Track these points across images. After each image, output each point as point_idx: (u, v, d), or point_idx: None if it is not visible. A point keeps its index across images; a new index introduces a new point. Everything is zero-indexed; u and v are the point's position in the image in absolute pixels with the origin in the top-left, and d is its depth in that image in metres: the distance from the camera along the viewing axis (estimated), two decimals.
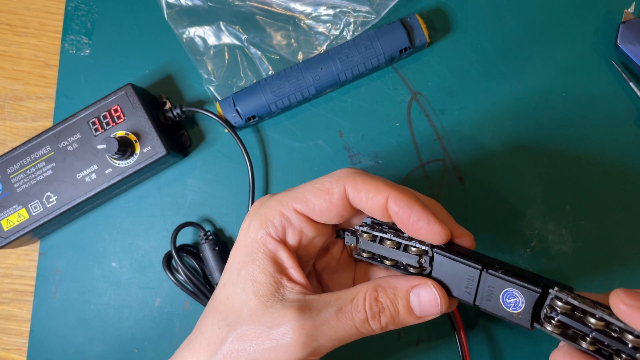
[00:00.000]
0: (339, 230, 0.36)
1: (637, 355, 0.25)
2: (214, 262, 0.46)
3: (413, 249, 0.31)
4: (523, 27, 0.49)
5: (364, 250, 0.33)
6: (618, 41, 0.46)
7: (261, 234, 0.33)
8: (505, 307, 0.29)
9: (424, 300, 0.30)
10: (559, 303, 0.27)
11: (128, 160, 0.45)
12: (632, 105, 0.47)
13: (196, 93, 0.50)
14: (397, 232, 0.32)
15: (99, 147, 0.45)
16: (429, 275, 0.31)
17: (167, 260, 0.47)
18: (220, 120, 0.47)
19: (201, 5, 0.50)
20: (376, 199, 0.31)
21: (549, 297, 0.27)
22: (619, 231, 0.46)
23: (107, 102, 0.46)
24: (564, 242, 0.46)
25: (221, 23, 0.50)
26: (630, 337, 0.25)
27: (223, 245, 0.48)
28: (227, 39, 0.50)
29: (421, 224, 0.30)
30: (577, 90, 0.48)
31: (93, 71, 0.51)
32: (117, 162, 0.45)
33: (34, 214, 0.45)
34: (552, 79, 0.48)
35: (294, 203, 0.33)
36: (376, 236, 0.32)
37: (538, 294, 0.27)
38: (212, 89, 0.49)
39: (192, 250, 0.48)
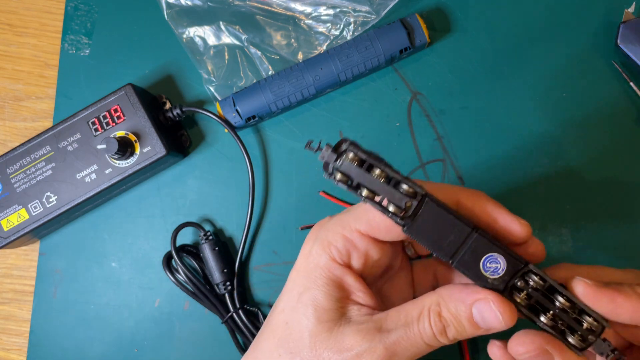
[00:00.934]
0: (311, 142, 0.30)
1: (590, 336, 0.28)
2: (214, 262, 0.46)
3: (405, 186, 0.27)
4: (523, 27, 0.49)
5: (339, 171, 0.27)
6: (618, 41, 0.46)
7: (324, 259, 0.31)
8: (483, 271, 0.28)
9: (486, 317, 0.29)
10: (535, 278, 0.28)
11: (128, 161, 0.45)
12: (632, 105, 0.47)
13: (196, 93, 0.50)
14: (384, 164, 0.28)
15: (99, 147, 0.45)
16: (412, 218, 0.28)
17: (167, 260, 0.47)
18: (220, 120, 0.47)
19: (201, 5, 0.50)
20: (447, 200, 0.29)
21: (524, 270, 0.28)
22: (620, 231, 0.46)
23: (107, 102, 0.45)
24: (564, 242, 0.46)
25: (221, 23, 0.49)
26: (588, 319, 0.28)
27: (223, 245, 0.48)
28: (227, 39, 0.50)
29: (499, 218, 0.30)
30: (578, 90, 0.48)
31: (93, 71, 0.51)
32: (117, 162, 0.45)
33: (33, 214, 0.45)
34: (552, 78, 0.48)
35: (356, 224, 0.31)
36: (364, 161, 0.27)
37: (522, 265, 0.28)
38: (212, 89, 0.49)
39: (192, 251, 0.48)
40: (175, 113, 0.47)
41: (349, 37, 0.48)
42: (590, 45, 0.48)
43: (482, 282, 0.28)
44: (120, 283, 0.49)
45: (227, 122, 0.48)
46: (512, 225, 0.30)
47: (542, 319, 0.29)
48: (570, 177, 0.47)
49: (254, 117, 0.48)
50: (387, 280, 0.36)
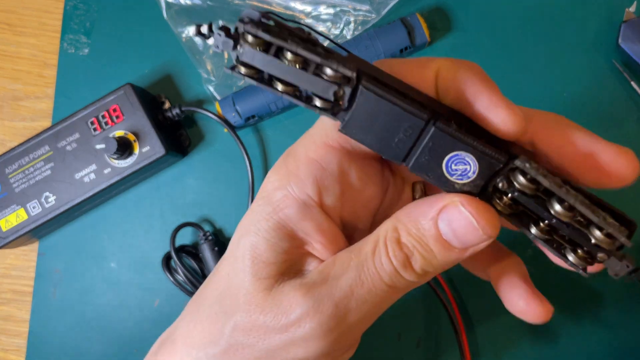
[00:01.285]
0: (201, 26, 0.22)
1: (599, 254, 0.21)
2: (213, 263, 0.46)
3: (329, 72, 0.20)
4: (524, 26, 0.49)
5: (244, 65, 0.21)
6: (620, 40, 0.46)
7: (277, 195, 0.24)
8: (447, 175, 0.21)
9: (458, 228, 0.21)
10: (521, 179, 0.21)
11: (127, 160, 0.45)
12: (634, 105, 0.47)
13: (195, 93, 0.50)
14: (310, 43, 0.21)
15: (98, 147, 0.45)
16: (346, 111, 0.21)
17: (166, 260, 0.47)
18: (219, 120, 0.47)
19: (200, 4, 0.50)
20: (419, 74, 0.22)
21: (508, 167, 0.21)
22: None
23: (106, 102, 0.45)
24: None
25: (221, 22, 0.49)
26: (597, 233, 0.21)
27: (222, 245, 0.47)
28: None
29: (478, 100, 0.21)
30: (579, 90, 0.48)
31: (92, 71, 0.50)
32: (116, 162, 0.45)
33: (32, 214, 0.45)
34: (553, 78, 0.48)
35: (322, 136, 0.23)
36: (270, 43, 0.20)
37: (500, 165, 0.21)
38: (211, 88, 0.49)
39: (191, 251, 0.48)
40: (174, 113, 0.47)
41: (349, 37, 0.48)
42: (591, 45, 0.48)
43: (449, 189, 0.22)
44: (120, 283, 0.49)
45: (226, 122, 0.47)
46: (492, 113, 0.21)
47: (533, 230, 0.22)
48: None
49: (253, 116, 0.47)
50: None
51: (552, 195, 0.21)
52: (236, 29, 0.21)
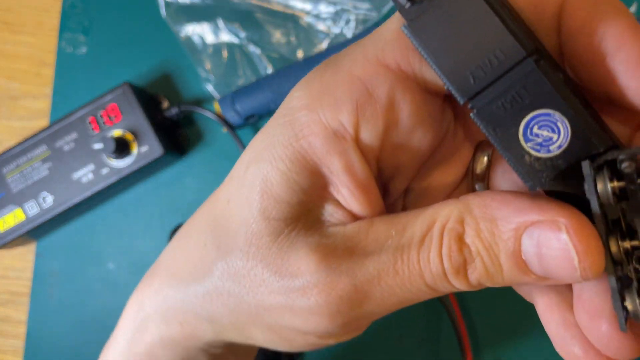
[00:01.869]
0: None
1: None
2: None
3: None
4: None
5: None
6: None
7: (304, 117, 0.18)
8: (521, 138, 0.15)
9: (548, 255, 0.15)
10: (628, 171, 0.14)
11: (125, 160, 0.45)
12: None
13: (194, 92, 0.50)
14: None
15: (96, 146, 0.45)
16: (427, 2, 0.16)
17: None
18: (219, 120, 0.47)
19: (199, 2, 0.49)
20: (538, 5, 0.16)
21: (606, 158, 0.15)
22: None
23: (104, 101, 0.45)
24: None
25: (219, 21, 0.49)
26: None
27: None
28: (225, 37, 0.49)
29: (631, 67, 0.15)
30: None
31: (90, 70, 0.50)
32: (114, 162, 0.45)
33: (30, 214, 0.45)
34: None
35: (387, 51, 0.17)
36: None
37: (600, 150, 0.15)
38: (210, 87, 0.49)
39: None
40: (173, 112, 0.47)
41: (349, 35, 0.48)
42: None
43: (515, 160, 0.16)
44: (118, 285, 0.48)
45: (225, 122, 0.47)
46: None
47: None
48: None
49: (253, 115, 0.47)
50: (427, 181, 0.21)
51: None
52: None
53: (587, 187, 0.15)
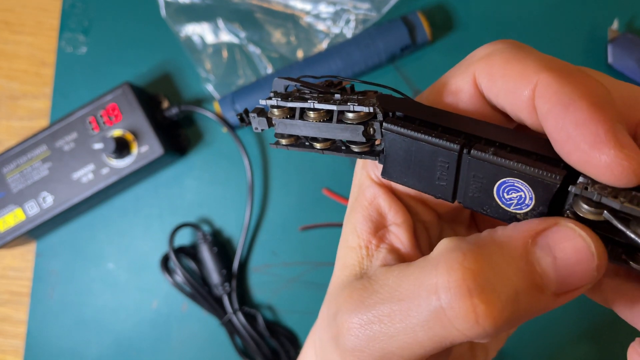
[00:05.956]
0: (241, 114, 0.22)
1: None
2: (212, 263, 0.46)
3: (350, 115, 0.19)
4: (525, 24, 0.48)
5: (282, 136, 0.21)
6: (609, 60, 0.46)
7: (363, 173, 0.22)
8: (503, 206, 0.18)
9: (566, 256, 0.15)
10: (585, 207, 0.16)
11: (125, 160, 0.45)
12: None
13: (194, 92, 0.50)
14: (330, 93, 0.20)
15: (96, 146, 0.45)
16: (380, 153, 0.20)
17: (165, 261, 0.46)
18: (218, 119, 0.47)
19: (199, 2, 0.49)
20: (516, 91, 0.17)
21: (573, 190, 0.16)
22: None
23: (104, 101, 0.45)
24: None
25: (219, 21, 0.49)
26: None
27: (221, 246, 0.47)
28: (225, 36, 0.49)
29: (578, 143, 0.15)
30: None
31: (90, 70, 0.50)
32: (114, 162, 0.45)
33: (30, 214, 0.45)
34: None
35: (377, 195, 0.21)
36: (293, 109, 0.20)
37: (557, 186, 0.16)
38: (210, 87, 0.49)
39: (190, 251, 0.47)
40: (173, 112, 0.47)
41: (349, 35, 0.48)
42: (581, 63, 0.48)
43: (515, 222, 0.18)
44: (118, 284, 0.48)
45: (225, 121, 0.47)
46: (595, 161, 0.15)
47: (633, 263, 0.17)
48: None
49: None
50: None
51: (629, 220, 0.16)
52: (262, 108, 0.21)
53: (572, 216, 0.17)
